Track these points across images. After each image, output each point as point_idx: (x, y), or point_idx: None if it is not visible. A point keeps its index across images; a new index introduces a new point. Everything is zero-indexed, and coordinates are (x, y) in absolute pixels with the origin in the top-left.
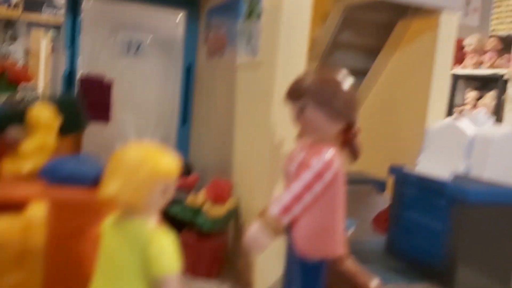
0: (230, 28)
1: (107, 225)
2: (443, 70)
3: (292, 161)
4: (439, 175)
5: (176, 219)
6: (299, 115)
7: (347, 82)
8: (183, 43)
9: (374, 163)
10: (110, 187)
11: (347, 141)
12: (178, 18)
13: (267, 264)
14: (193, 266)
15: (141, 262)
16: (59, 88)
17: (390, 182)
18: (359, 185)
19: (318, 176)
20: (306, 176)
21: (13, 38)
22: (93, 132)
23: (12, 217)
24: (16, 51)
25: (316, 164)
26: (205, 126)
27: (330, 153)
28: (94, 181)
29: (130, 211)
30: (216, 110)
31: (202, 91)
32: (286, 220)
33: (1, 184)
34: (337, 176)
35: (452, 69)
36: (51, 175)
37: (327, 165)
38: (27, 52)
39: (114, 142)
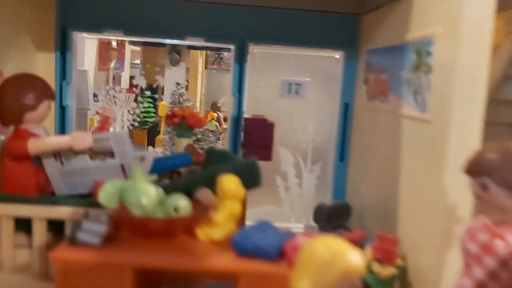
0: (394, 75)
1: None
2: None
3: (472, 239)
4: None
5: None
6: (480, 193)
7: None
8: (341, 82)
9: None
10: (301, 284)
11: None
12: (336, 59)
13: None
14: None
15: None
16: (212, 98)
17: None
18: None
19: (504, 264)
20: (490, 263)
21: (177, 62)
22: None
23: None
24: (180, 73)
25: (501, 250)
26: (364, 165)
27: None
28: (276, 254)
29: None
30: (376, 152)
31: (361, 130)
32: None
33: (199, 252)
34: None
35: None
36: (240, 248)
37: None
38: (187, 71)
39: (275, 176)
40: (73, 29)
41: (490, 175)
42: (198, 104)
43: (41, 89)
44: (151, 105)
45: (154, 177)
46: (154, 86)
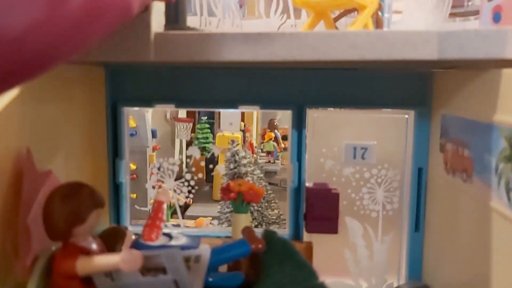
0: (478, 155)
1: None
2: None
3: None
4: None
5: None
6: None
7: None
8: (412, 145)
9: None
10: None
11: None
12: (406, 119)
13: None
14: None
15: None
16: (269, 116)
17: None
18: None
19: None
20: None
21: None
22: (321, 242)
23: None
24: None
25: None
26: (444, 239)
27: None
28: None
29: None
30: (459, 234)
31: (439, 202)
32: None
33: None
34: None
35: None
36: None
37: None
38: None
39: (343, 249)
40: (124, 104)
41: None
42: (254, 123)
43: (88, 200)
44: (209, 131)
45: None
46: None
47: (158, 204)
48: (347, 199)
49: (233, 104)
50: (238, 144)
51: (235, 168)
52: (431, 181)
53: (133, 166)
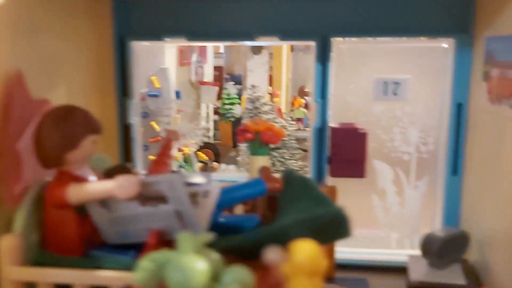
0: None
1: None
2: None
3: None
4: None
5: None
6: None
7: None
8: (451, 77)
9: None
10: None
11: None
12: (444, 48)
13: None
14: None
15: None
16: (299, 83)
17: None
18: None
19: None
20: None
21: (259, 50)
22: (347, 188)
23: None
24: (263, 61)
25: None
26: (486, 182)
27: None
28: None
29: None
30: (505, 169)
31: (481, 138)
32: None
33: None
34: None
35: None
36: None
37: None
38: (271, 56)
39: (370, 195)
40: (132, 38)
41: None
42: (284, 91)
43: (82, 124)
44: (236, 97)
45: (210, 236)
46: None
47: (166, 142)
48: (376, 140)
49: (250, 36)
50: (258, 89)
51: (255, 115)
52: (472, 117)
53: (157, 128)
